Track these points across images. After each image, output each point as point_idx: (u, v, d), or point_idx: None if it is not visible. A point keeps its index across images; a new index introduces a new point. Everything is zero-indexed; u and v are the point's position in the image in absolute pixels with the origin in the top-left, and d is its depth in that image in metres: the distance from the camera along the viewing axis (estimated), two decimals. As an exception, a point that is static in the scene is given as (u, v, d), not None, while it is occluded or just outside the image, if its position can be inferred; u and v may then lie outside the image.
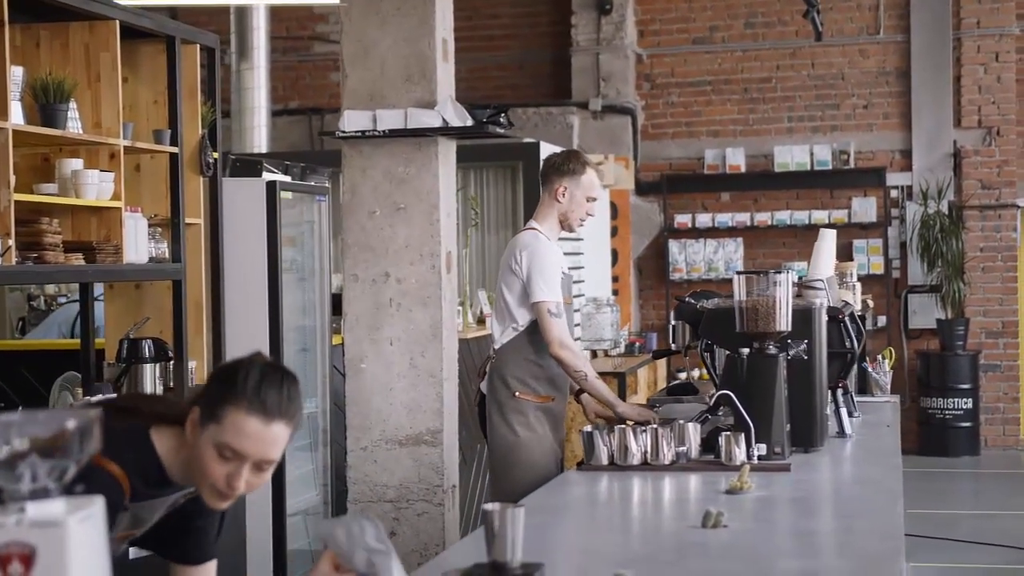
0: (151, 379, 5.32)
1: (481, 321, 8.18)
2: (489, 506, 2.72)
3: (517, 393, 5.16)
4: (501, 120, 5.92)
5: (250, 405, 2.52)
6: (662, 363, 11.17)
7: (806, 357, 4.48)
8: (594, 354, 10.11)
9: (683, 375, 11.58)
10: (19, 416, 1.73)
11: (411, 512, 5.69)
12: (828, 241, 5.52)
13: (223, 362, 2.58)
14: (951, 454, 12.06)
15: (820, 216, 12.46)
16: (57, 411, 1.76)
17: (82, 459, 1.76)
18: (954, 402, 12.12)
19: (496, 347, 5.25)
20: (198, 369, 5.75)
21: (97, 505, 1.78)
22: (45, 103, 4.75)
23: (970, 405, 12.14)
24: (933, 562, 8.11)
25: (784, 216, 12.63)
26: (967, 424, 12.16)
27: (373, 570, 2.43)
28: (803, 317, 4.51)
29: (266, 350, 6.20)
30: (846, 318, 5.01)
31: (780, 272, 4.39)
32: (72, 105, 4.87)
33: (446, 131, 5.65)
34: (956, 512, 9.89)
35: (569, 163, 5.27)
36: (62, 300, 8.91)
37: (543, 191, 5.32)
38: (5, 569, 1.68)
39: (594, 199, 5.30)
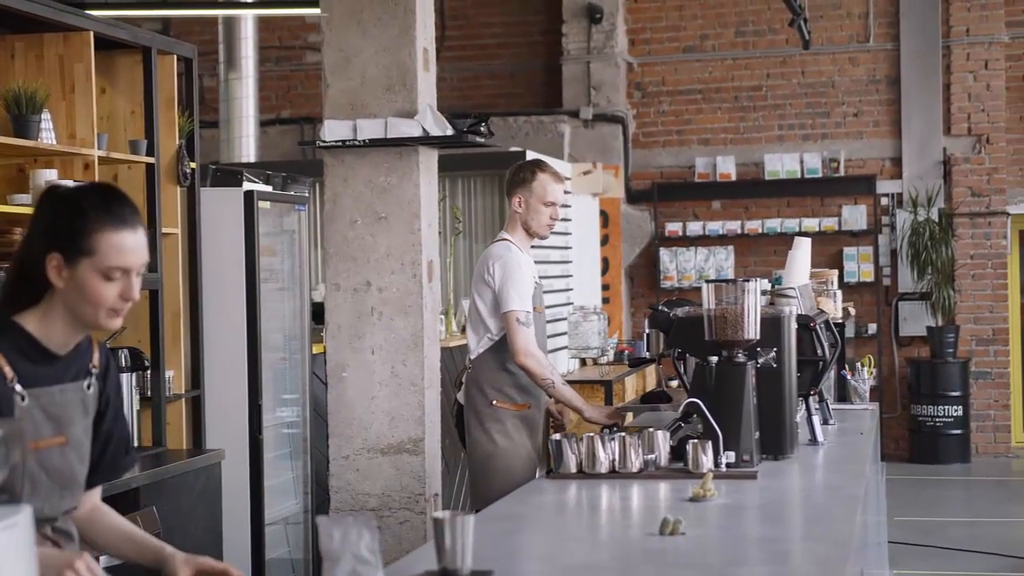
0: (128, 388, 5.33)
1: (464, 330, 8.20)
2: (438, 514, 2.74)
3: (494, 402, 5.24)
4: (481, 129, 5.93)
5: (114, 225, 2.64)
6: (651, 371, 11.18)
7: (775, 365, 4.50)
8: (583, 362, 10.13)
9: (675, 383, 11.57)
10: (-58, 426, 1.74)
11: (393, 520, 5.70)
12: (802, 250, 5.53)
13: (42, 200, 2.72)
14: (942, 461, 12.06)
15: (810, 224, 12.48)
16: (-20, 421, 1.77)
17: (7, 467, 1.78)
18: (944, 409, 12.13)
19: (472, 357, 5.33)
20: (175, 379, 5.76)
21: (23, 514, 1.79)
22: (17, 114, 4.77)
23: (960, 412, 12.15)
24: (921, 569, 8.12)
25: (775, 224, 12.64)
26: (958, 431, 12.16)
27: None
28: (772, 325, 4.52)
29: (244, 359, 6.23)
30: (819, 326, 5.02)
31: (749, 280, 4.40)
32: (45, 116, 4.89)
33: (427, 140, 5.67)
34: (946, 519, 9.89)
35: (520, 173, 5.37)
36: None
37: (507, 203, 5.44)
38: (-74, 577, 1.69)
39: (552, 203, 5.35)
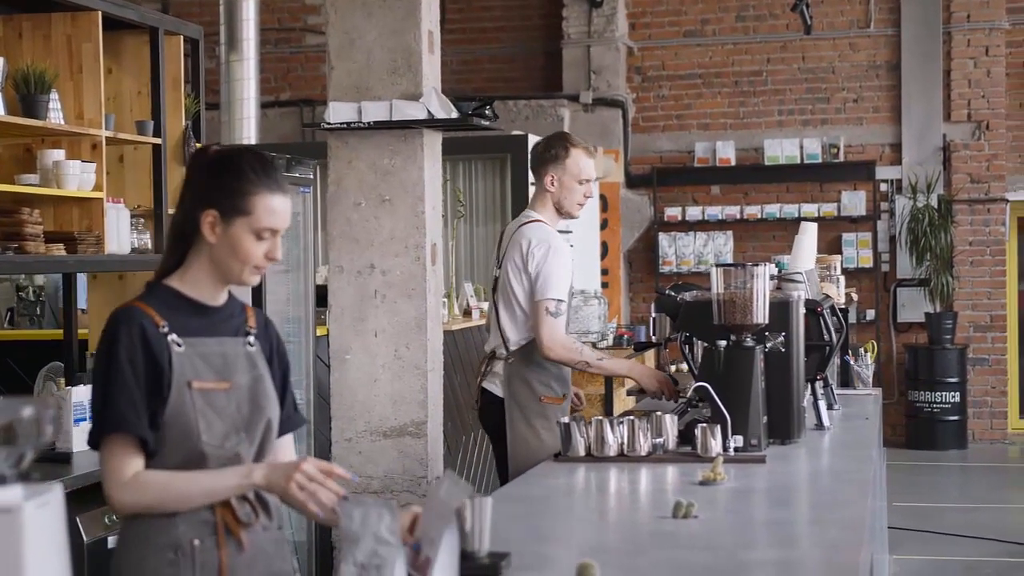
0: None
1: (467, 313, 8.20)
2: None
3: (543, 398, 5.03)
4: (486, 112, 5.92)
5: (270, 189, 2.81)
6: (651, 355, 11.20)
7: (783, 349, 4.50)
8: (582, 346, 10.12)
9: (673, 367, 11.59)
10: (-25, 403, 1.75)
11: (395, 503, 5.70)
12: (809, 234, 5.53)
13: (197, 161, 2.91)
14: (939, 447, 12.09)
15: (810, 209, 12.48)
16: (13, 399, 1.78)
17: (39, 446, 1.78)
18: (942, 396, 12.15)
19: (511, 348, 5.07)
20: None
21: (55, 492, 1.80)
22: (26, 94, 4.75)
23: (958, 399, 12.17)
24: (919, 554, 8.14)
25: (774, 209, 12.65)
26: (955, 418, 12.19)
27: (376, 560, 2.46)
28: (781, 310, 4.52)
29: (249, 341, 6.23)
30: (825, 311, 5.02)
31: (758, 265, 4.40)
32: (54, 96, 4.87)
33: (431, 123, 5.66)
34: (943, 505, 9.92)
35: (551, 149, 5.12)
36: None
37: (535, 180, 5.21)
38: (-40, 554, 1.69)
39: (587, 180, 5.11)
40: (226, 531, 2.79)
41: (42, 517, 1.75)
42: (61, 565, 1.79)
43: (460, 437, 7.30)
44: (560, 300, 4.94)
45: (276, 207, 2.80)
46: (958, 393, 12.17)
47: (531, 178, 9.90)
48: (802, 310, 4.67)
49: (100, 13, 5.14)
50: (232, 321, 2.91)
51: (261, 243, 2.80)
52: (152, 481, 2.75)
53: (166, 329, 2.78)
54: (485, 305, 8.38)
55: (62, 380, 5.35)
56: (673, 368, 11.49)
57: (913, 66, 12.55)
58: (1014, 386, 12.84)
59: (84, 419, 4.79)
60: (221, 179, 2.81)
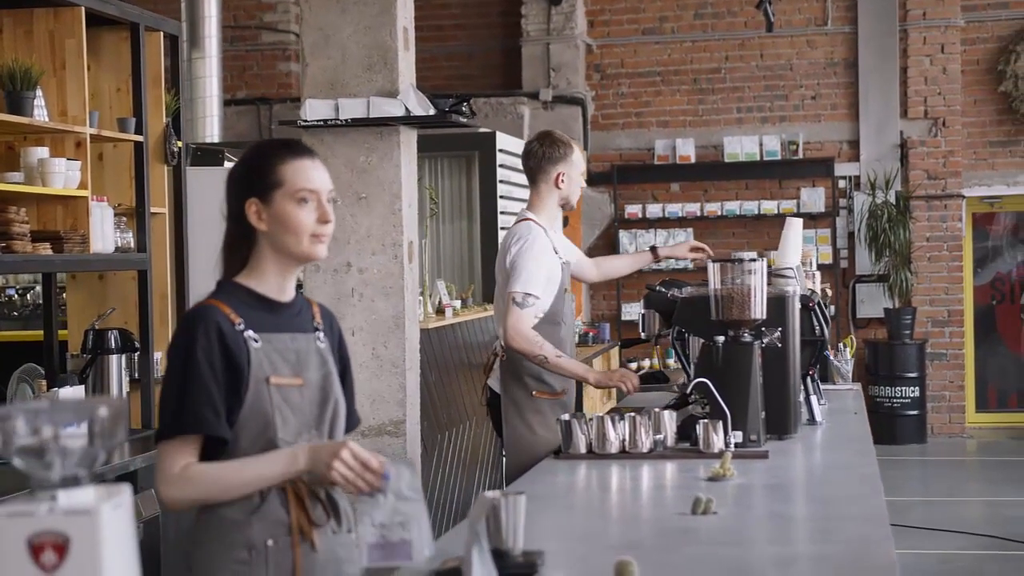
0: (117, 370, 5.26)
1: (440, 311, 8.17)
2: (491, 494, 2.71)
3: (535, 392, 5.06)
4: (463, 109, 5.90)
5: (292, 155, 2.83)
6: (615, 352, 11.23)
7: (780, 345, 4.50)
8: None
9: (634, 364, 11.63)
10: (49, 404, 1.71)
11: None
12: (795, 230, 5.55)
13: (231, 168, 2.93)
14: (898, 442, 12.18)
15: (769, 206, 12.55)
16: (88, 399, 1.74)
17: (112, 447, 1.74)
18: (901, 390, 12.25)
19: (504, 344, 5.08)
20: (163, 360, 5.68)
21: (126, 494, 1.76)
22: (11, 91, 4.67)
23: (917, 393, 12.28)
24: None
25: (734, 206, 12.70)
26: (914, 412, 12.29)
27: (398, 519, 2.45)
28: (777, 305, 4.53)
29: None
30: (815, 305, 5.05)
31: (755, 260, 4.40)
32: (39, 92, 4.79)
33: (408, 120, 5.62)
34: (905, 499, 9.99)
35: (557, 148, 5.17)
36: (10, 292, 8.80)
37: (537, 181, 5.20)
38: (38, 558, 1.66)
39: (583, 173, 5.26)
40: (299, 532, 2.77)
41: (117, 518, 1.72)
42: (133, 565, 1.76)
43: (436, 436, 7.27)
44: (528, 293, 4.97)
45: (305, 169, 2.80)
46: (917, 388, 12.28)
47: (501, 176, 9.90)
48: (797, 305, 4.68)
49: (83, 8, 5.05)
50: (300, 317, 2.90)
51: (306, 209, 2.79)
52: (198, 474, 2.72)
53: (242, 326, 2.77)
54: (459, 303, 8.36)
55: (43, 382, 5.26)
56: (634, 365, 11.55)
57: (870, 63, 12.64)
58: (971, 380, 12.98)
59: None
60: (249, 170, 2.85)
